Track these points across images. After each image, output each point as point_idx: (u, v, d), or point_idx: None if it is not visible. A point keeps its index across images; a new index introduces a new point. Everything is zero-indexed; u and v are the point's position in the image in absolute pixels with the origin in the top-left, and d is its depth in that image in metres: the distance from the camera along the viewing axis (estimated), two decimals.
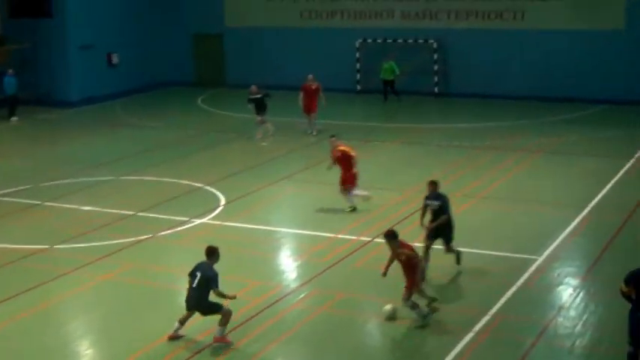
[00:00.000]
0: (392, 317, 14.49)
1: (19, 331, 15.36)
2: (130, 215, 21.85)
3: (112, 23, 39.67)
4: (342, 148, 21.42)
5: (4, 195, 24.05)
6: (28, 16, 38.62)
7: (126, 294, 17.04)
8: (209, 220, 21.33)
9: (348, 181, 21.16)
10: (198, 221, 21.16)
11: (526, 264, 17.19)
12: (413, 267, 14.34)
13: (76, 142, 32.36)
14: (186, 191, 23.94)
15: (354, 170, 21.13)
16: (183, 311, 16.15)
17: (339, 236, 19.41)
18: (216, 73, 42.26)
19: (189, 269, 16.33)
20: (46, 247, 19.62)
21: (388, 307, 14.66)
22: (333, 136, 22.54)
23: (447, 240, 16.63)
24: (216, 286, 13.78)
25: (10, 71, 35.70)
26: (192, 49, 43.23)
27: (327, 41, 39.14)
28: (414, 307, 14.41)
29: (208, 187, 24.08)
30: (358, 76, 38.96)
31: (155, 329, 15.00)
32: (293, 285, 17.08)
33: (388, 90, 36.96)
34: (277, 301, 15.85)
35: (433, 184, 16.71)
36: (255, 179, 24.12)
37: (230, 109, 30.75)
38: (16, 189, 24.51)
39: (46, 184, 25.29)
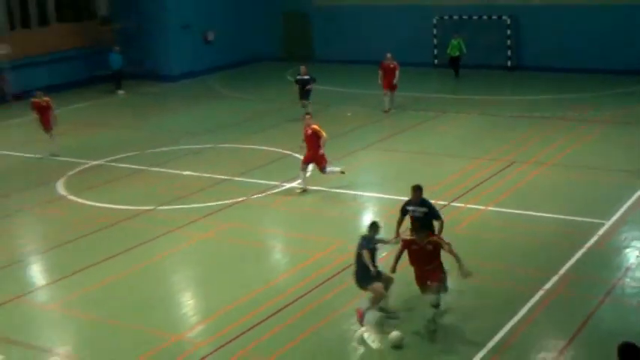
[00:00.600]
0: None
1: (126, 284, 15.77)
2: (226, 180, 22.10)
3: (208, 3, 39.77)
4: (314, 127, 20.37)
5: (113, 161, 24.58)
6: None
7: (223, 251, 17.31)
8: (298, 184, 21.21)
9: (320, 162, 20.34)
10: (288, 185, 21.20)
11: (594, 227, 16.81)
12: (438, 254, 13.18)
13: (177, 113, 32.98)
14: (276, 158, 24.09)
15: (322, 151, 20.25)
16: (273, 267, 16.38)
17: None
18: (304, 49, 41.95)
19: (279, 229, 16.59)
20: (151, 208, 19.96)
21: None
22: (307, 114, 21.54)
23: None
24: (362, 254, 13.09)
25: (117, 48, 36.41)
26: (281, 27, 43.06)
27: (406, 18, 38.55)
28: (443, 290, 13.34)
29: (297, 155, 24.17)
30: (435, 51, 38.40)
31: (250, 282, 15.25)
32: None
33: (459, 65, 36.34)
34: None
35: (418, 190, 14.47)
36: (341, 147, 23.93)
37: (317, 82, 30.66)
38: (124, 155, 25.02)
39: (151, 151, 25.69)
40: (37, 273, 17.16)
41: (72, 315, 14.75)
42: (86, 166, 24.33)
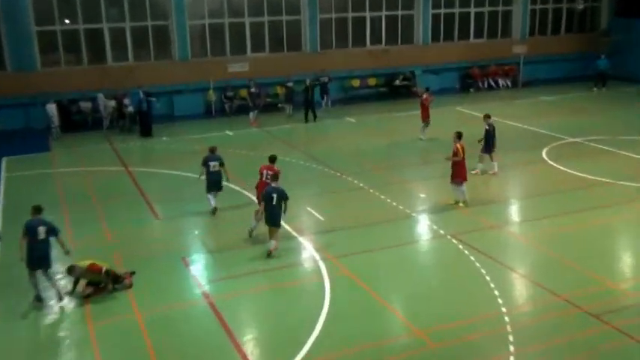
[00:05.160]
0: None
1: (574, 234, 14.03)
2: None
3: None
4: None
5: (587, 140, 21.68)
6: (628, 17, 34.03)
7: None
8: None
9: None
10: None
11: None
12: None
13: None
14: None
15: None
16: None
17: None
18: None
19: None
20: (610, 181, 17.42)
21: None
22: None
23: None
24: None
25: (602, 55, 31.98)
26: None
27: None
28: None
29: None
30: None
31: None
32: None
33: None
34: None
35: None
36: None
37: None
38: (597, 137, 21.88)
39: (620, 137, 22.12)
40: (514, 211, 15.97)
41: (535, 247, 13.69)
42: (566, 141, 21.96)
